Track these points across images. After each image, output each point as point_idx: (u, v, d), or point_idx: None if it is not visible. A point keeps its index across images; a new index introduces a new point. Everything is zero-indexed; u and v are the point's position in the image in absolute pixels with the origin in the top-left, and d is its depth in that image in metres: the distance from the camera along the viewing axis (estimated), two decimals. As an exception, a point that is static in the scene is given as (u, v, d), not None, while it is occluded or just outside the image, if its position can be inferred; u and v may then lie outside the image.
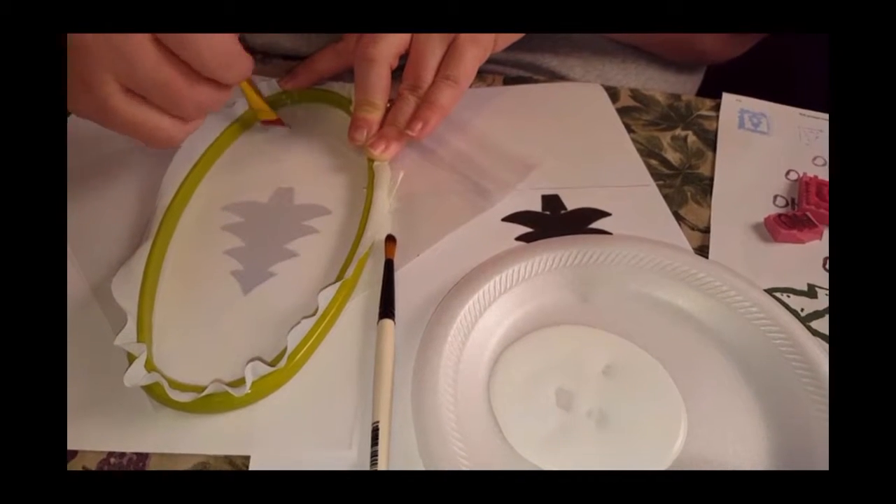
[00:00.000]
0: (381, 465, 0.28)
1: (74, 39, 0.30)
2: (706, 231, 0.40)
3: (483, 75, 0.51)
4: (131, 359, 0.31)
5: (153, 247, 0.37)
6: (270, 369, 0.31)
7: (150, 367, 0.32)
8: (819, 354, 0.32)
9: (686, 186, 0.43)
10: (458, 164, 0.44)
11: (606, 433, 0.30)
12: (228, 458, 0.30)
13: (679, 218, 0.41)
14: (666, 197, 0.42)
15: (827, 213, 0.39)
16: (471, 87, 0.43)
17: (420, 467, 0.29)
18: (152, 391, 0.31)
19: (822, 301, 0.36)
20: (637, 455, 0.30)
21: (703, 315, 0.35)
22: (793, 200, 0.42)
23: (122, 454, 0.30)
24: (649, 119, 0.48)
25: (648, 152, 0.45)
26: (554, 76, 0.54)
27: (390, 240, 0.38)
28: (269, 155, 0.45)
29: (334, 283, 0.35)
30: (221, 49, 0.33)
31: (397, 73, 0.43)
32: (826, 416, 0.30)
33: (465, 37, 0.42)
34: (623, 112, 0.48)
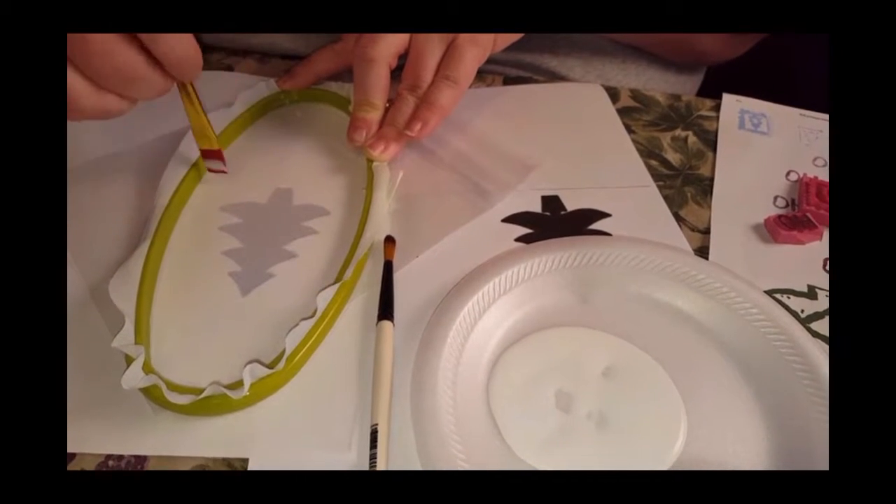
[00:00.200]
0: (381, 468, 0.28)
1: None
2: (706, 232, 0.40)
3: (483, 75, 0.51)
4: (129, 361, 0.31)
5: (151, 248, 0.37)
6: (269, 371, 0.31)
7: (147, 369, 0.31)
8: (819, 356, 0.32)
9: (686, 187, 0.43)
10: (458, 165, 0.43)
11: (606, 435, 0.30)
12: (227, 461, 0.30)
13: (679, 219, 0.40)
14: (666, 198, 0.42)
15: (827, 214, 0.39)
16: (470, 87, 0.43)
17: (419, 469, 0.29)
18: (150, 393, 0.31)
19: (823, 302, 0.36)
20: (637, 457, 0.30)
21: (703, 316, 0.35)
22: (793, 201, 0.42)
23: (121, 457, 0.30)
24: (649, 119, 0.48)
25: (648, 153, 0.45)
26: (554, 76, 0.54)
27: (389, 241, 0.37)
28: (268, 155, 0.45)
29: (333, 284, 0.34)
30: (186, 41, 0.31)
31: (396, 74, 0.43)
32: (826, 417, 0.30)
33: (464, 37, 0.42)
34: (623, 112, 0.48)
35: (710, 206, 0.41)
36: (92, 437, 0.30)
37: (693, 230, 0.40)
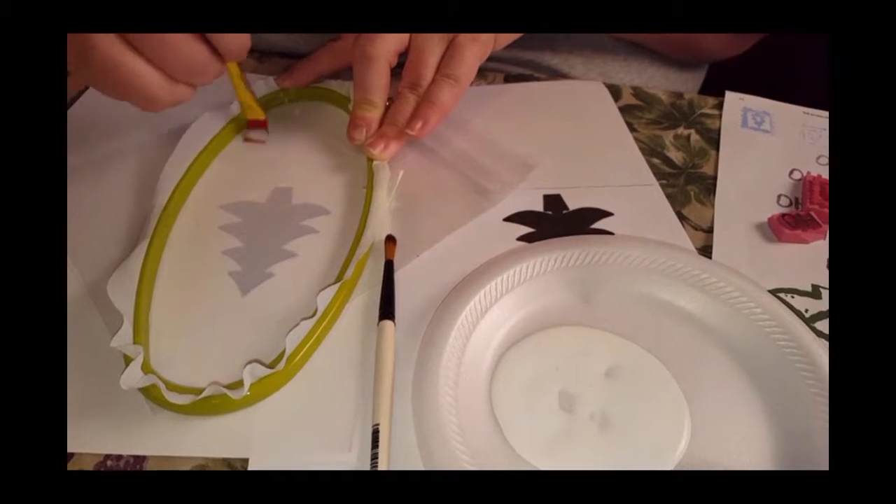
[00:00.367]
0: (382, 468, 0.28)
1: None
2: (709, 231, 0.39)
3: (483, 73, 0.50)
4: (128, 361, 0.31)
5: (149, 247, 0.36)
6: (269, 371, 0.31)
7: (146, 369, 0.31)
8: (823, 356, 0.31)
9: (689, 186, 0.42)
10: (459, 164, 0.43)
11: (609, 436, 0.30)
12: (227, 461, 0.29)
13: (682, 218, 0.40)
14: (669, 196, 0.41)
15: (831, 212, 0.39)
16: (471, 85, 0.43)
17: (421, 469, 0.29)
18: (149, 393, 0.30)
19: (827, 302, 0.36)
20: (640, 458, 0.30)
21: (706, 316, 0.35)
22: (797, 200, 0.41)
23: (119, 457, 0.30)
24: (652, 117, 0.47)
25: (651, 151, 0.45)
26: (555, 74, 0.54)
27: (390, 240, 0.37)
28: (267, 154, 0.45)
29: (334, 283, 0.34)
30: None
31: (397, 72, 0.43)
32: (830, 417, 0.29)
33: (465, 34, 0.42)
34: (625, 110, 0.48)
35: (713, 205, 0.41)
36: (90, 437, 0.30)
37: (696, 229, 0.40)
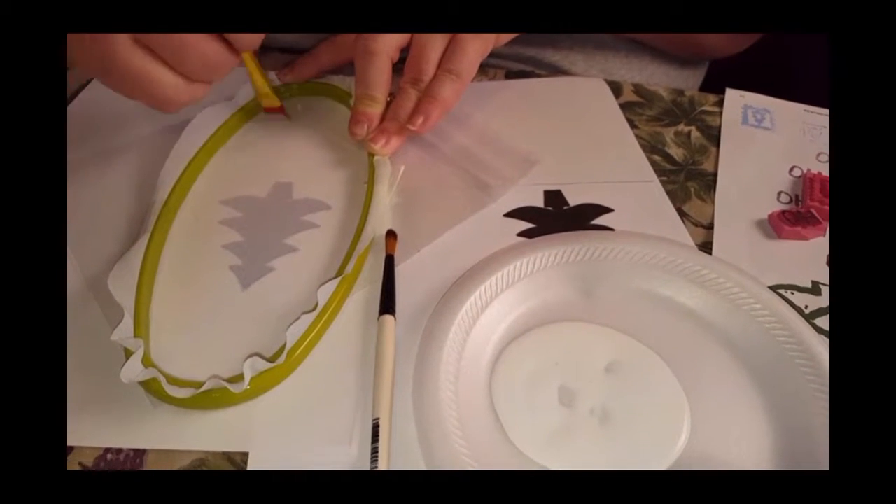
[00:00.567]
0: (382, 463, 0.28)
1: None
2: (710, 227, 0.39)
3: (485, 69, 0.50)
4: (128, 354, 0.31)
5: (150, 241, 0.36)
6: (269, 365, 0.31)
7: (147, 362, 0.31)
8: (823, 352, 0.31)
9: (689, 182, 0.42)
10: (460, 159, 0.43)
11: (609, 431, 0.30)
12: (227, 455, 0.29)
13: (682, 214, 0.40)
14: (669, 193, 0.41)
15: (831, 209, 0.39)
16: (472, 81, 0.43)
17: (421, 465, 0.29)
18: (149, 387, 0.30)
19: (826, 298, 0.36)
20: (640, 453, 0.30)
21: (706, 312, 0.35)
22: (797, 197, 0.41)
23: (119, 450, 0.30)
24: (652, 114, 0.47)
25: (651, 148, 0.45)
26: (556, 71, 0.54)
27: (391, 235, 0.37)
28: (268, 149, 0.45)
29: (334, 278, 0.34)
30: None
31: (399, 67, 0.43)
32: (830, 413, 0.29)
33: (466, 31, 0.42)
34: (626, 107, 0.48)
35: (713, 202, 0.41)
36: (90, 431, 0.30)
37: (696, 225, 0.40)
